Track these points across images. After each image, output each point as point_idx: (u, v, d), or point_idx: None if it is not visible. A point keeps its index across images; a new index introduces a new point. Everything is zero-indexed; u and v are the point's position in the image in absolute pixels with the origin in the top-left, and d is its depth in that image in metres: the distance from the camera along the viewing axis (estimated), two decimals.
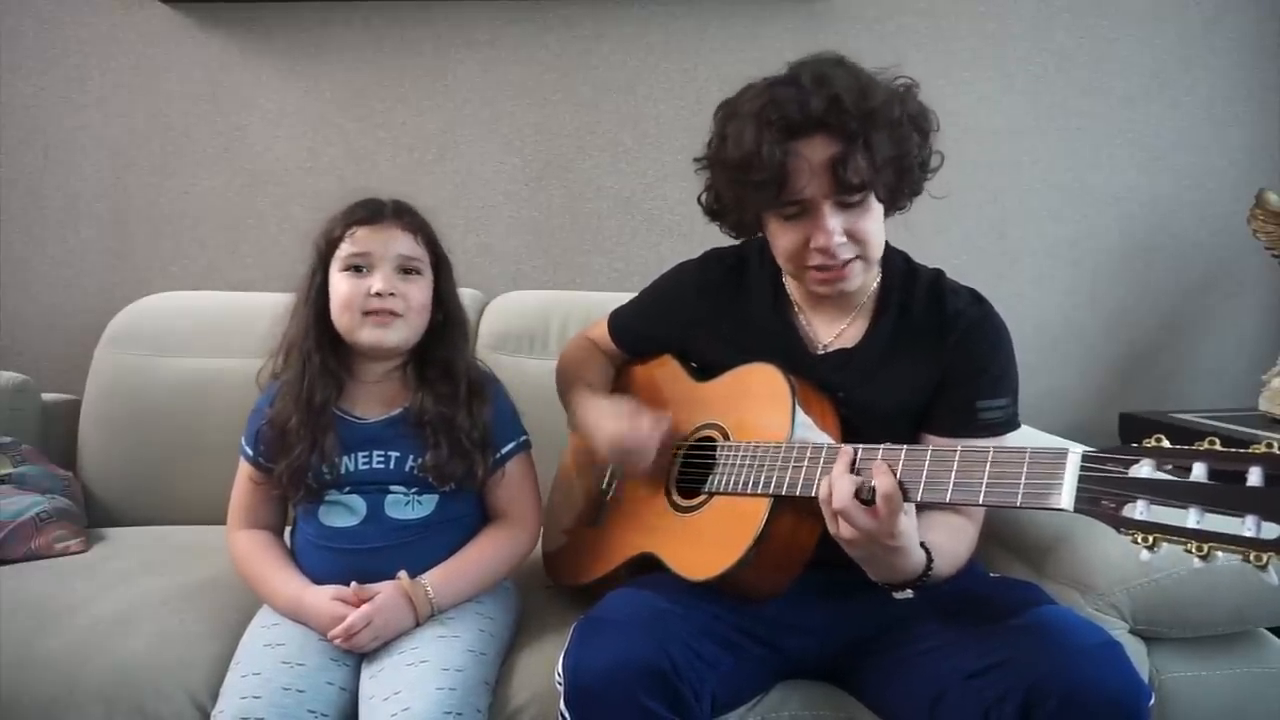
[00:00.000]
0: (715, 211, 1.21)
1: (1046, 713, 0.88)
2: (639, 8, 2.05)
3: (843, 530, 0.92)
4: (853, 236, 1.07)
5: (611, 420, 1.20)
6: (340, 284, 1.21)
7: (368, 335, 1.21)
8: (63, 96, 2.08)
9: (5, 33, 2.07)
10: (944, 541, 1.01)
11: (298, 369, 1.22)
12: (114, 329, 1.84)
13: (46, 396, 1.85)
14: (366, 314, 1.20)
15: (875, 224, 1.10)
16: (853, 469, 0.95)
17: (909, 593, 0.98)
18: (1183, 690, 1.19)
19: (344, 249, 1.21)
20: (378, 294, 1.19)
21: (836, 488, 0.92)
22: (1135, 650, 1.17)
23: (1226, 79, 2.06)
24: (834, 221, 1.05)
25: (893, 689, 1.05)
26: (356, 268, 1.21)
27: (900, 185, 1.09)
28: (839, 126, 1.02)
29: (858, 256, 1.09)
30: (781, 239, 1.11)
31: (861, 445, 0.97)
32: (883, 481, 0.90)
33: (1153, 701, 0.92)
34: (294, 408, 1.20)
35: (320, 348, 1.23)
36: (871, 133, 1.02)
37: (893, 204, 1.12)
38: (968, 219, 2.08)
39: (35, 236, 2.11)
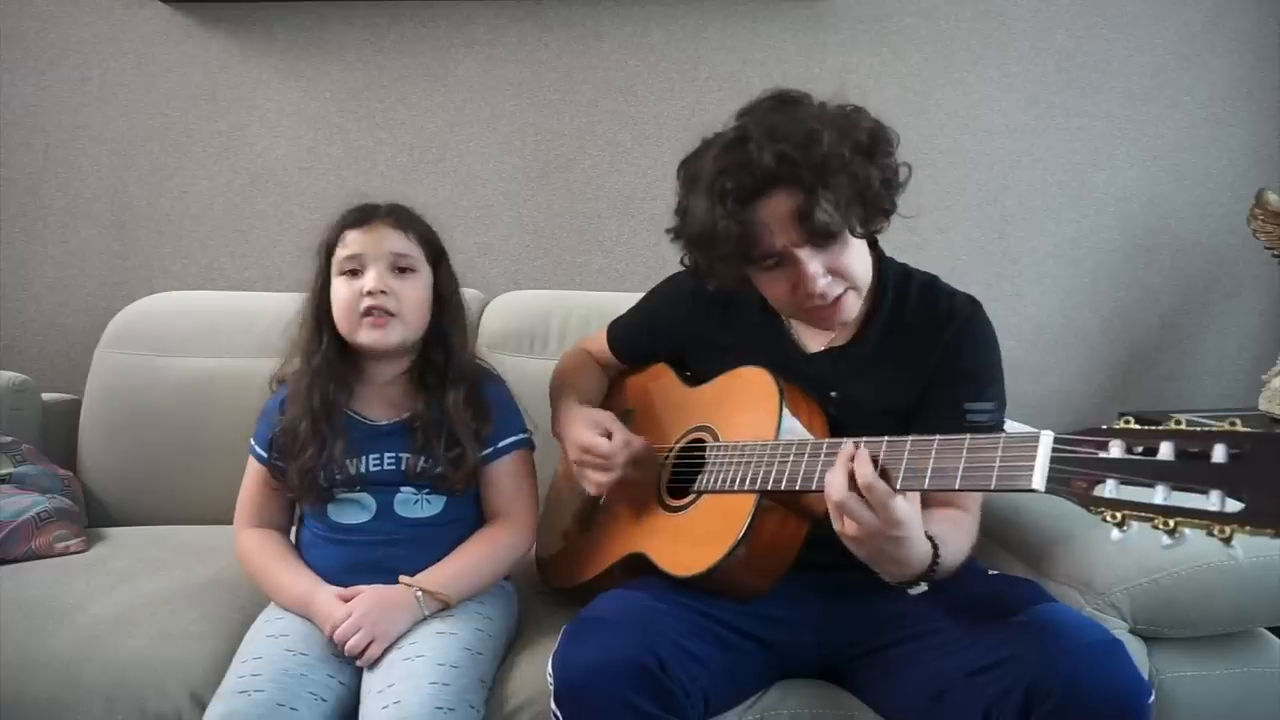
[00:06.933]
0: (699, 273, 1.18)
1: (1047, 710, 0.88)
2: (639, 8, 2.05)
3: (847, 526, 0.92)
4: (837, 273, 1.07)
5: (582, 427, 1.21)
6: (339, 288, 1.23)
7: (365, 336, 1.22)
8: (63, 96, 2.08)
9: (5, 33, 2.07)
10: (946, 532, 1.01)
11: (305, 373, 1.24)
12: (114, 329, 1.84)
13: (46, 396, 1.85)
14: (363, 315, 1.21)
15: (856, 254, 1.09)
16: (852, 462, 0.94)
17: (923, 586, 0.97)
18: (1182, 690, 1.18)
19: (339, 253, 1.23)
20: (369, 293, 1.20)
21: (831, 481, 0.92)
22: (1135, 650, 1.17)
23: (1226, 79, 2.06)
24: (814, 265, 1.05)
25: (893, 687, 1.05)
26: (351, 271, 1.23)
27: (869, 214, 1.07)
28: (794, 180, 1.02)
29: (848, 289, 1.09)
30: (769, 290, 1.12)
31: (849, 439, 0.97)
32: (861, 471, 0.90)
33: (1153, 699, 0.92)
34: (303, 412, 1.22)
35: (326, 351, 1.24)
36: (829, 178, 1.01)
37: (868, 230, 1.10)
38: (968, 219, 2.08)
39: (35, 236, 2.11)
